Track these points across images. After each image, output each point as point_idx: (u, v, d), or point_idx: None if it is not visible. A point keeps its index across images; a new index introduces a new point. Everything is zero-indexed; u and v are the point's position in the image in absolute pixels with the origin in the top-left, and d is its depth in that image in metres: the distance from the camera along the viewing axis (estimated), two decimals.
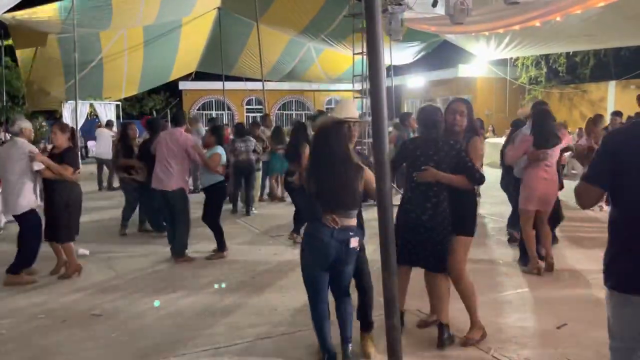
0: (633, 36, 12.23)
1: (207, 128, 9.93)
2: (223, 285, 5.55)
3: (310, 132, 7.36)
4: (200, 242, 7.00)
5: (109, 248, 7.10)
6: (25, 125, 5.84)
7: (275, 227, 8.32)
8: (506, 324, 4.35)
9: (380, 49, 2.93)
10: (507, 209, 7.28)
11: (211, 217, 6.65)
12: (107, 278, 5.86)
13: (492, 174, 7.82)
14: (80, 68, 15.21)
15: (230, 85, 22.39)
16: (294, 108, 30.99)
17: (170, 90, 28.62)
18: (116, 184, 12.71)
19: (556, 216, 6.11)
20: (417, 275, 4.12)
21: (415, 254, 3.91)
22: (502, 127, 19.72)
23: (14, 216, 5.75)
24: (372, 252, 3.92)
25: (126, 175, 7.87)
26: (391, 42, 13.23)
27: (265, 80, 16.40)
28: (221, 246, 6.63)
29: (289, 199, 10.61)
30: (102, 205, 10.55)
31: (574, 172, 12.95)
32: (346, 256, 3.48)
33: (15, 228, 5.95)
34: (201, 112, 28.29)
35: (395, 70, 19.04)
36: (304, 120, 11.76)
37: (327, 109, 27.72)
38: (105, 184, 13.29)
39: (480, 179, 3.90)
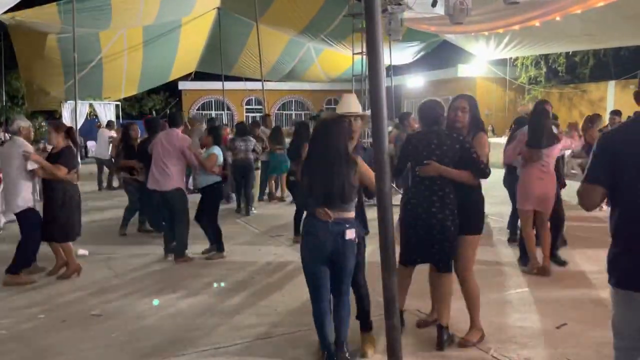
0: (633, 36, 12.23)
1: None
2: (223, 284, 5.55)
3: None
4: (200, 243, 6.99)
5: (109, 248, 7.10)
6: (24, 124, 5.83)
7: (275, 227, 8.32)
8: (506, 324, 4.35)
9: (379, 49, 2.92)
10: (508, 209, 7.28)
11: (208, 218, 6.65)
12: (107, 278, 5.86)
13: (492, 174, 7.79)
14: (79, 68, 15.19)
15: (229, 85, 22.41)
16: (293, 108, 31.01)
17: (170, 90, 28.63)
18: (116, 184, 12.75)
19: (557, 216, 6.00)
20: (417, 275, 4.11)
21: (422, 251, 3.85)
22: (502, 127, 19.76)
23: (15, 214, 5.77)
24: (372, 252, 3.91)
25: (128, 175, 7.88)
26: (391, 42, 13.23)
27: (264, 80, 16.41)
28: (219, 247, 6.62)
29: (289, 199, 10.65)
30: (101, 205, 10.55)
31: (573, 172, 12.94)
32: (343, 248, 3.44)
33: (15, 228, 5.94)
34: (201, 112, 28.31)
35: (395, 70, 19.05)
36: (305, 120, 11.77)
37: (326, 108, 27.74)
38: (105, 184, 13.28)
39: (486, 172, 3.83)
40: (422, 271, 4.11)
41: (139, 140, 8.16)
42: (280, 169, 10.52)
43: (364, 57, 11.88)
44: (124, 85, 20.96)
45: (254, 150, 9.51)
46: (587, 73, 21.04)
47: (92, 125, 19.59)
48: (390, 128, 9.16)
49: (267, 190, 11.13)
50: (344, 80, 21.72)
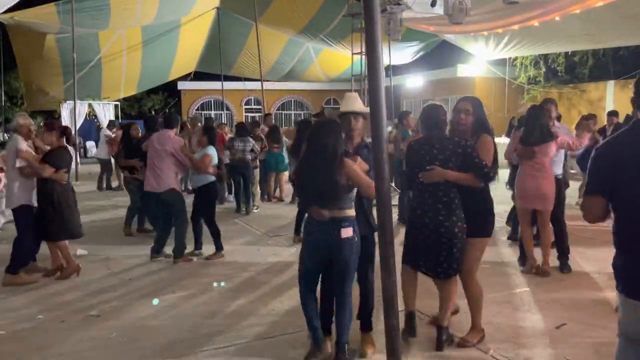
0: (632, 36, 12.24)
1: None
2: (222, 284, 5.54)
3: None
4: (205, 243, 6.97)
5: (108, 248, 7.09)
6: (22, 121, 5.79)
7: (274, 228, 8.32)
8: (506, 324, 4.34)
9: (379, 48, 2.92)
10: (507, 208, 7.28)
11: (206, 218, 6.64)
12: (106, 278, 5.85)
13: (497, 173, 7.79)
14: (78, 68, 15.21)
15: (229, 85, 22.41)
16: (292, 108, 31.02)
17: (169, 90, 28.62)
18: (115, 184, 12.73)
19: (558, 224, 5.80)
20: (419, 274, 4.09)
21: (427, 258, 3.80)
22: (501, 127, 19.75)
23: (12, 210, 5.82)
24: None
25: (128, 174, 7.87)
26: (390, 41, 13.24)
27: (264, 80, 16.41)
28: (218, 247, 6.61)
29: (288, 199, 10.65)
30: (101, 205, 10.54)
31: (572, 171, 12.94)
32: (338, 247, 3.43)
33: (15, 228, 5.93)
34: (200, 112, 28.30)
35: (394, 70, 19.06)
36: (307, 119, 11.78)
37: (327, 108, 27.71)
38: (104, 184, 13.27)
39: (489, 175, 3.77)
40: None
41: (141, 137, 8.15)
42: (277, 167, 10.72)
43: (363, 57, 11.90)
44: (123, 85, 20.96)
45: (252, 151, 9.54)
46: (586, 73, 21.04)
47: (91, 125, 19.61)
48: (389, 128, 9.14)
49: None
50: (343, 80, 21.74)
